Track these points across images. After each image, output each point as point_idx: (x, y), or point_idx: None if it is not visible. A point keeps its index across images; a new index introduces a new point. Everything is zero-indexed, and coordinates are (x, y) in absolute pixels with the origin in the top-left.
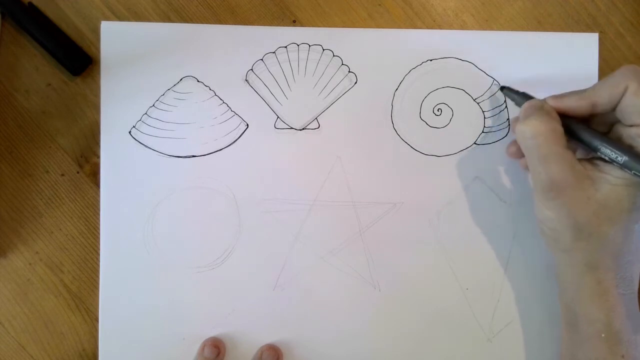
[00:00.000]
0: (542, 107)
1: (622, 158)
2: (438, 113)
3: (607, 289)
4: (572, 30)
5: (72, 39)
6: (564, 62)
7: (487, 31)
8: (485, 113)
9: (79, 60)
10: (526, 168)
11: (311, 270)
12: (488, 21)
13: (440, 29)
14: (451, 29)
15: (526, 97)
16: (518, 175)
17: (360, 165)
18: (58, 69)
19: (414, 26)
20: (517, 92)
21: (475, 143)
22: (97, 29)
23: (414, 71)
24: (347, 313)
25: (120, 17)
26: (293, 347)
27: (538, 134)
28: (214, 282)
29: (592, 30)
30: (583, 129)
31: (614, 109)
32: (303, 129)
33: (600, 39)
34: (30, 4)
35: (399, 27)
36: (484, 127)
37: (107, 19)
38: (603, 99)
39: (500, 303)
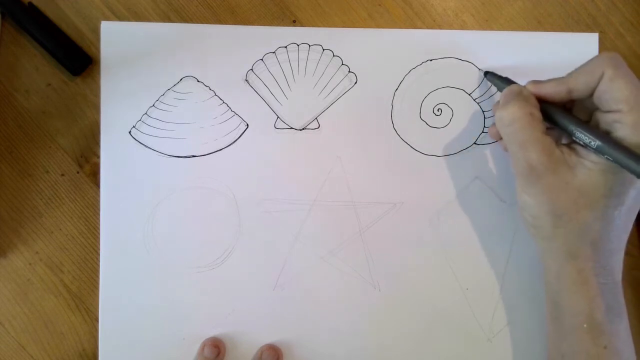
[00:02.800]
0: (520, 93)
1: (595, 143)
2: (438, 113)
3: (587, 279)
4: (572, 30)
5: (72, 39)
6: (564, 62)
7: (487, 31)
8: (485, 113)
9: (79, 60)
10: (506, 150)
11: (311, 270)
12: (488, 21)
13: (440, 29)
14: (451, 29)
15: (509, 82)
16: None
17: (360, 165)
18: (58, 69)
19: (414, 26)
20: (500, 78)
21: (475, 143)
22: (97, 29)
23: (414, 71)
24: (347, 313)
25: (120, 17)
26: (293, 347)
27: (516, 120)
28: (214, 282)
29: (592, 30)
30: (559, 113)
31: (591, 95)
32: (303, 129)
33: (600, 39)
34: (30, 4)
35: (399, 27)
36: (484, 127)
37: (107, 19)
38: (580, 85)
39: (500, 303)
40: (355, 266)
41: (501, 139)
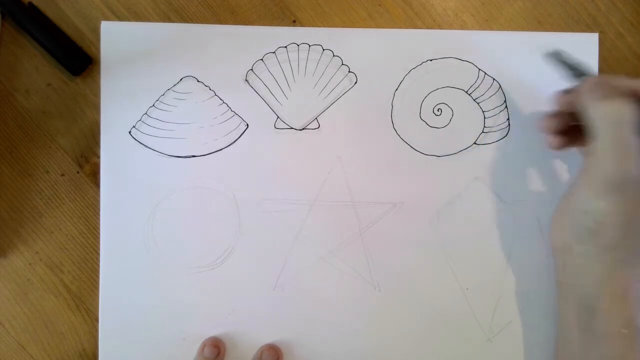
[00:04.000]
0: (622, 91)
1: None
2: (438, 113)
3: (630, 285)
4: (572, 30)
5: (72, 39)
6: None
7: (487, 31)
8: (485, 113)
9: (79, 60)
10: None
11: (311, 270)
12: (488, 21)
13: (440, 29)
14: (451, 29)
15: (579, 70)
16: (518, 175)
17: (360, 165)
18: (58, 69)
19: (414, 26)
20: (568, 65)
21: (475, 143)
22: (97, 29)
23: (414, 71)
24: (347, 313)
25: (120, 17)
26: (293, 347)
27: (619, 122)
28: (214, 282)
29: (592, 30)
30: None
31: None
32: (303, 129)
33: (600, 39)
34: (30, 4)
35: (399, 27)
36: (484, 127)
37: (107, 19)
38: None
39: (500, 303)
40: (355, 266)
41: (566, 146)
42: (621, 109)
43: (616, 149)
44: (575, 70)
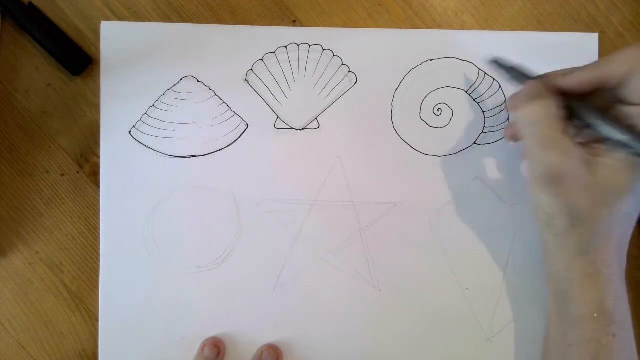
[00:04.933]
0: (545, 90)
1: (625, 137)
2: (438, 113)
3: (599, 271)
4: (572, 30)
5: (72, 39)
6: (564, 62)
7: (487, 31)
8: (485, 113)
9: (79, 60)
10: (516, 140)
11: (311, 270)
12: (488, 21)
13: (440, 29)
14: (451, 29)
15: (520, 72)
16: (518, 175)
17: (360, 165)
18: (58, 69)
19: (414, 26)
20: (507, 68)
21: (475, 143)
22: (97, 29)
23: (414, 71)
24: (347, 313)
25: (120, 17)
26: (293, 347)
27: (540, 121)
28: (214, 282)
29: (592, 30)
30: (583, 107)
31: (617, 87)
32: (303, 129)
33: (600, 39)
34: (30, 4)
35: (399, 27)
36: (484, 127)
37: (107, 19)
38: (615, 73)
39: (500, 303)
40: (355, 266)
41: (515, 140)
42: (537, 112)
43: (538, 146)
44: (516, 75)
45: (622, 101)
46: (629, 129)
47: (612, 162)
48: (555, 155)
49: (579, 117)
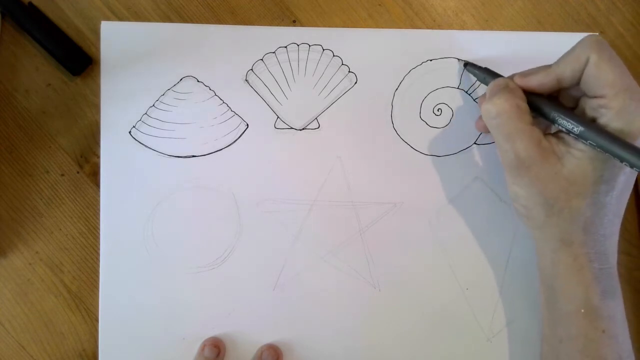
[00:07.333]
0: (506, 86)
1: (577, 129)
2: (438, 113)
3: (582, 265)
4: (572, 30)
5: (72, 39)
6: None
7: (487, 31)
8: None
9: (79, 60)
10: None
11: (311, 270)
12: (488, 21)
13: (440, 29)
14: (451, 29)
15: (489, 73)
16: None
17: (360, 165)
18: (58, 69)
19: (414, 26)
20: (479, 68)
21: (475, 143)
22: (97, 29)
23: (414, 71)
24: (347, 313)
25: (120, 17)
26: (293, 347)
27: (502, 113)
28: (214, 282)
29: (592, 30)
30: (543, 102)
31: (578, 82)
32: (303, 129)
33: None
34: (30, 4)
35: (399, 27)
36: None
37: (107, 19)
38: (567, 73)
39: (500, 303)
40: (355, 266)
41: (488, 132)
42: (499, 104)
43: (502, 137)
44: (487, 76)
45: (586, 94)
46: (582, 121)
47: (579, 153)
48: (521, 144)
49: (541, 112)
